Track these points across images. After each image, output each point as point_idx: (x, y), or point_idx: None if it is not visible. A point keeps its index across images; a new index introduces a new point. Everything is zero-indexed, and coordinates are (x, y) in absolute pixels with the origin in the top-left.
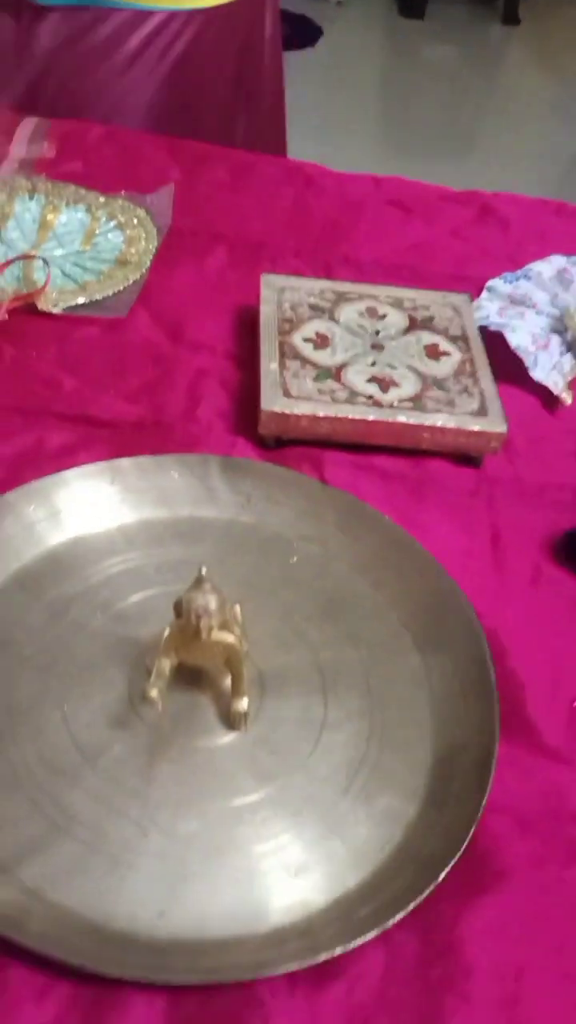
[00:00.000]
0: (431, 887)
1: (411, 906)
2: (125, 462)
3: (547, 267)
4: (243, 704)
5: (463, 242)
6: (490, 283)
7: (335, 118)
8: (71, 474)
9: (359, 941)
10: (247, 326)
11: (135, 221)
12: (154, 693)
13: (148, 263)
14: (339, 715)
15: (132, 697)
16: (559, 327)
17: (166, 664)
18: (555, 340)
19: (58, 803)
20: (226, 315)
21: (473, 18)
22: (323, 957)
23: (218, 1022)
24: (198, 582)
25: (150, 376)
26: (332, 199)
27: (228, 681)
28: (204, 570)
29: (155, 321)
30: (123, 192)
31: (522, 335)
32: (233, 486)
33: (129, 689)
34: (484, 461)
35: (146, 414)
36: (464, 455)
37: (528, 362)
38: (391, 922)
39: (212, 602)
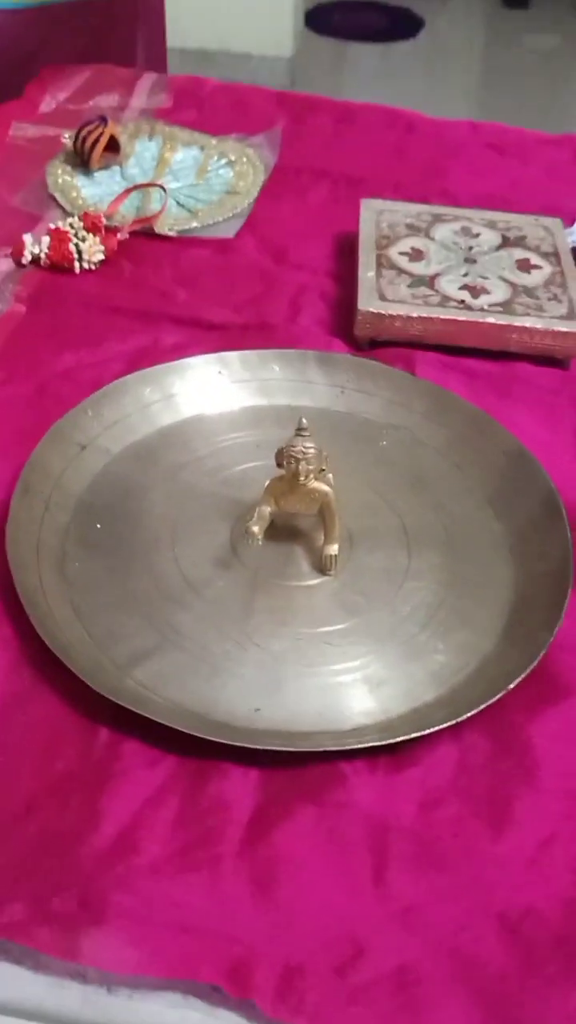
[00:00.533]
0: (501, 692)
1: (482, 706)
2: (232, 355)
3: None
4: (334, 549)
5: (557, 180)
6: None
7: (435, 110)
8: (183, 363)
9: (433, 729)
10: (346, 249)
11: (244, 159)
12: (255, 529)
13: (256, 193)
14: (421, 566)
15: (234, 545)
16: None
17: (266, 510)
18: None
19: (168, 622)
20: (327, 240)
21: None
22: (400, 738)
23: (305, 792)
24: (299, 430)
25: (255, 290)
26: (431, 141)
27: (320, 536)
28: (304, 420)
29: (261, 244)
30: (233, 134)
31: None
32: (329, 378)
33: (232, 539)
34: (571, 364)
35: (251, 320)
36: (551, 358)
37: None
38: (463, 717)
39: (311, 448)
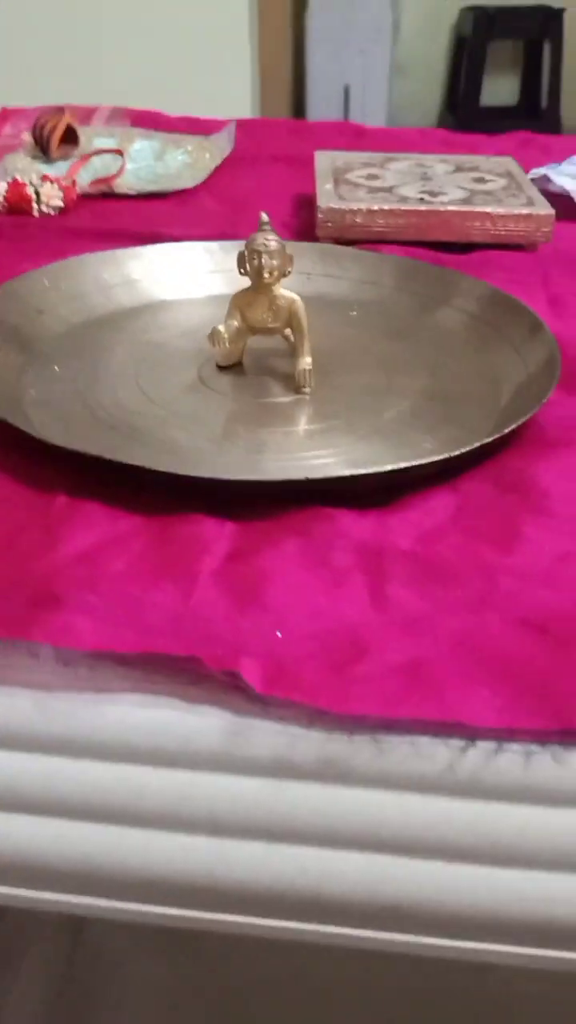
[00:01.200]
0: (498, 435)
1: (477, 444)
2: (196, 244)
3: None
4: (307, 362)
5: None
6: (533, 170)
7: None
8: (144, 249)
9: (426, 460)
10: (304, 206)
11: (201, 147)
12: (221, 328)
13: (213, 168)
14: (403, 385)
15: (202, 377)
16: None
17: (232, 323)
18: None
19: (134, 427)
20: (284, 200)
21: None
22: (389, 467)
23: (290, 530)
24: (261, 226)
25: (218, 224)
26: (382, 140)
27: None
28: (265, 216)
29: (219, 200)
30: (191, 133)
31: (567, 180)
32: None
33: (199, 373)
34: (538, 248)
35: (215, 235)
36: (517, 245)
37: (575, 195)
38: (460, 451)
39: (272, 241)
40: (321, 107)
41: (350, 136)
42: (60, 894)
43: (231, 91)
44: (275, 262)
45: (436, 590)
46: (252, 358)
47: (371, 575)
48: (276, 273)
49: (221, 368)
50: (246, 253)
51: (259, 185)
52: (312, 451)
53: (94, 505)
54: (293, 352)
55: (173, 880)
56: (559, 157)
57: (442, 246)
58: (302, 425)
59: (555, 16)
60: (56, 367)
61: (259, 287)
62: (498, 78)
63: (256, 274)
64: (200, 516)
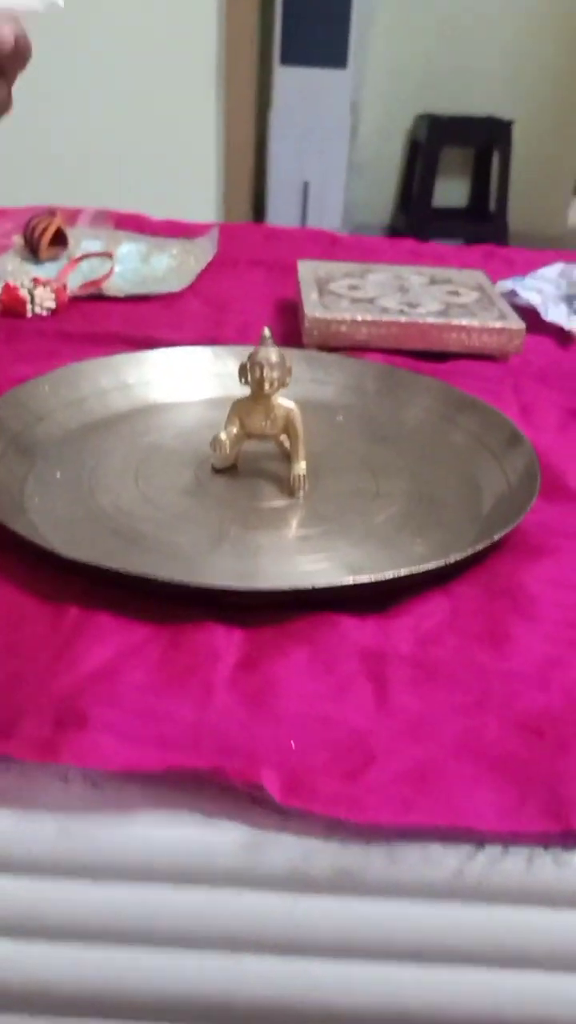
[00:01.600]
0: (487, 542)
1: (471, 551)
2: (188, 349)
3: (549, 270)
4: (301, 468)
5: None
6: (500, 282)
7: None
8: (139, 355)
9: (423, 567)
10: (286, 310)
11: (186, 251)
12: (222, 436)
13: (197, 272)
14: (390, 489)
15: (200, 480)
16: (566, 301)
17: (232, 430)
18: (563, 305)
19: (135, 530)
20: (267, 303)
21: None
22: (390, 574)
23: (296, 638)
24: (262, 341)
25: (204, 326)
26: (355, 251)
27: (285, 468)
28: (267, 331)
29: (205, 302)
30: (176, 236)
31: (532, 295)
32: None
33: (196, 476)
34: (510, 359)
35: (202, 339)
36: (489, 356)
37: (541, 310)
38: (453, 559)
39: (274, 355)
40: (281, 201)
41: (325, 244)
42: (78, 1019)
43: (195, 183)
44: (276, 374)
45: (436, 693)
46: (246, 460)
47: (375, 680)
48: (276, 384)
49: (217, 471)
50: (248, 365)
51: (242, 289)
52: (310, 555)
53: (106, 615)
54: (287, 457)
55: (189, 999)
56: (522, 269)
57: (420, 354)
58: (298, 529)
59: (504, 127)
60: (58, 473)
61: (259, 397)
62: (449, 181)
63: (257, 385)
64: (210, 623)
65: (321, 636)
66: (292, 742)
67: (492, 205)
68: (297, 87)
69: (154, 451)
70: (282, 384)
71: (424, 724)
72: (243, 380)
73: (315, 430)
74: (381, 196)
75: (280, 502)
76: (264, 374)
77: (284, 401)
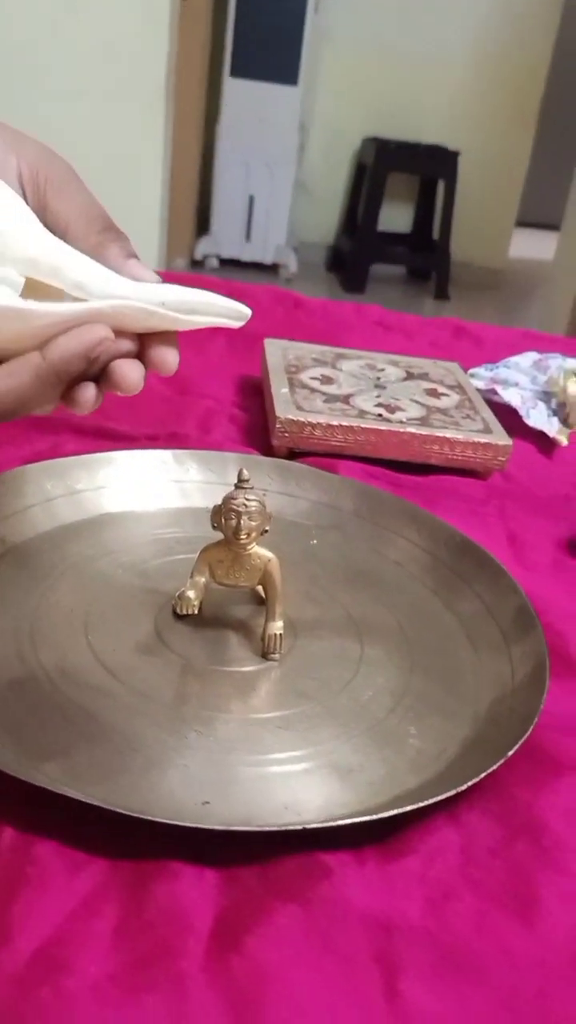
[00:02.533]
0: (500, 761)
1: (481, 775)
2: (145, 452)
3: (523, 359)
4: (278, 627)
5: (442, 352)
6: (472, 370)
7: None
8: (91, 457)
9: (426, 802)
10: (250, 388)
11: None
12: (190, 594)
13: None
14: (376, 653)
15: (159, 632)
16: (544, 398)
17: (200, 580)
18: (541, 404)
19: (86, 711)
20: (230, 380)
21: (408, 294)
22: (390, 813)
23: (280, 890)
24: (239, 483)
25: (162, 411)
26: (320, 318)
27: (260, 623)
28: (245, 472)
29: (162, 381)
30: None
31: (512, 395)
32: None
33: (156, 627)
34: (491, 477)
35: (160, 432)
36: (471, 471)
37: (522, 413)
38: (462, 787)
39: (253, 502)
40: (225, 212)
41: (288, 307)
42: None
43: (140, 194)
44: (254, 523)
45: (456, 987)
46: (210, 603)
47: (382, 964)
48: (254, 534)
49: (178, 616)
50: (223, 510)
51: (202, 363)
52: (289, 750)
53: (49, 846)
54: (257, 599)
55: None
56: (491, 349)
57: (397, 464)
58: (275, 710)
59: (451, 158)
60: None
61: (233, 545)
62: (394, 207)
63: (233, 534)
64: (176, 863)
65: (312, 890)
66: None
67: (435, 234)
68: (246, 100)
69: (106, 585)
70: (260, 533)
71: None
72: (215, 526)
73: (288, 558)
74: (326, 215)
75: (251, 665)
76: (242, 523)
77: (261, 551)
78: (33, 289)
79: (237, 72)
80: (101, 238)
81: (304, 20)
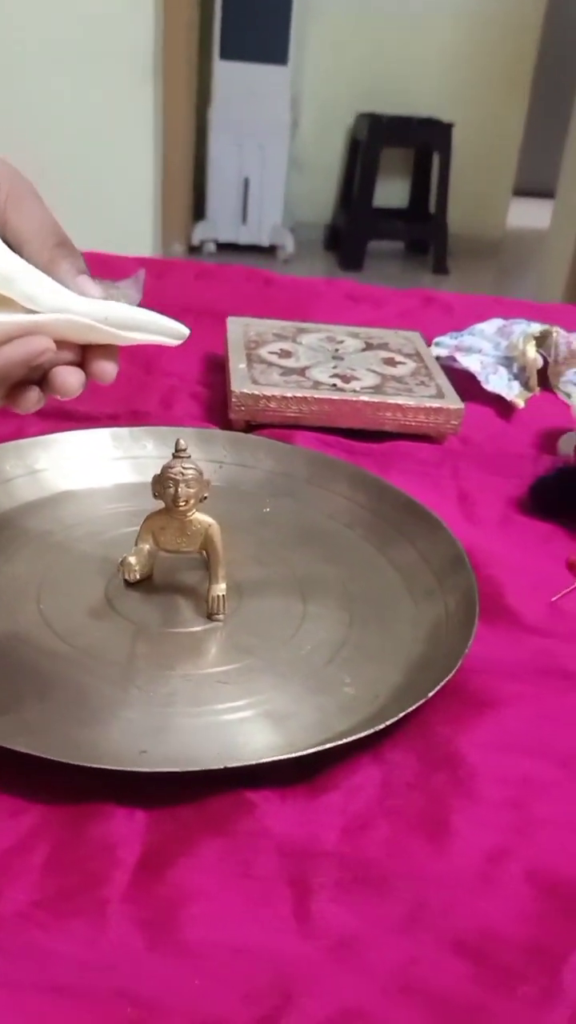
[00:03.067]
0: (420, 701)
1: (400, 715)
2: (102, 431)
3: (488, 325)
4: (221, 589)
5: (409, 320)
6: (437, 339)
7: None
8: (49, 438)
9: (345, 740)
10: (214, 365)
11: (108, 298)
12: (132, 559)
13: None
14: (318, 610)
15: (109, 598)
16: (506, 363)
17: (144, 547)
18: (503, 370)
19: (35, 671)
20: (195, 357)
21: (406, 269)
22: (309, 750)
23: (205, 825)
24: (176, 452)
25: (125, 391)
26: (289, 292)
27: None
28: (182, 441)
29: (128, 357)
30: (98, 278)
31: (472, 361)
32: (205, 453)
33: (106, 592)
34: (445, 441)
35: (120, 410)
36: (425, 436)
37: (481, 378)
38: (380, 726)
39: (190, 469)
40: (221, 196)
41: (258, 283)
42: None
43: (133, 179)
44: (192, 490)
45: (366, 904)
46: (161, 570)
47: (296, 887)
48: (192, 501)
49: (129, 584)
50: (162, 479)
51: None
52: (228, 701)
53: None
54: (207, 567)
55: None
56: (460, 316)
57: (353, 432)
58: (217, 665)
59: (444, 130)
60: None
61: (174, 512)
62: (390, 181)
63: (172, 502)
64: (109, 805)
65: (236, 824)
66: (196, 981)
67: (432, 207)
68: (237, 82)
69: (61, 555)
70: (199, 500)
71: (351, 948)
72: (156, 494)
73: (240, 524)
74: (322, 194)
75: (198, 626)
76: (179, 491)
77: (202, 516)
78: None
79: (227, 54)
80: (54, 253)
81: None
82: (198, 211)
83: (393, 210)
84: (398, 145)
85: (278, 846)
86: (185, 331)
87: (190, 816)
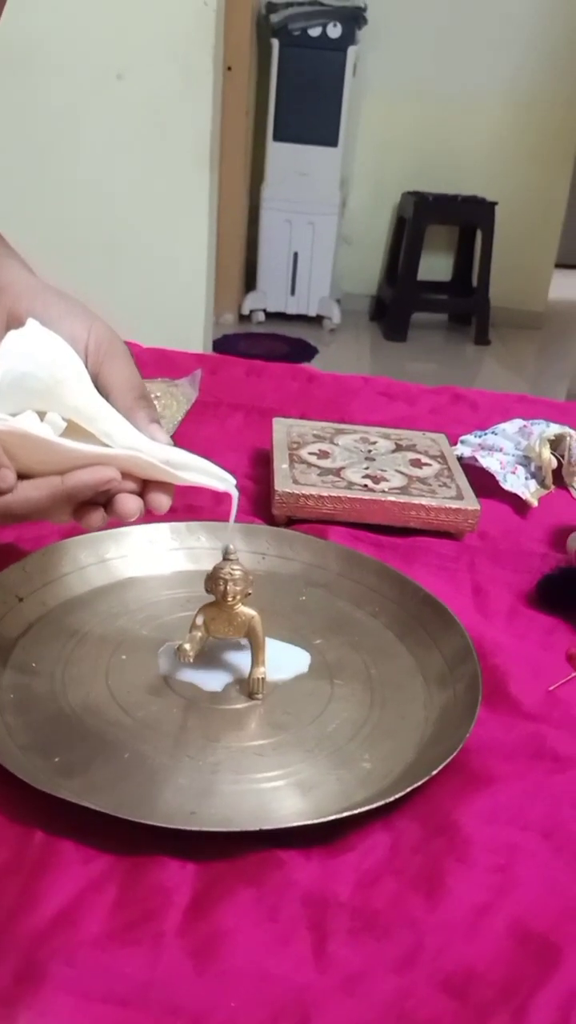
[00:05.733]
0: (425, 778)
1: (408, 789)
2: (162, 525)
3: (510, 425)
4: (262, 672)
5: (439, 417)
6: (462, 437)
7: None
8: (118, 531)
9: (361, 809)
10: (261, 460)
11: (169, 395)
12: (187, 647)
13: (180, 419)
14: (344, 692)
15: (167, 677)
16: (524, 462)
17: (197, 634)
18: (521, 469)
19: (101, 739)
20: (244, 454)
21: (449, 340)
22: (331, 817)
23: (243, 877)
24: (226, 556)
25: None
26: (331, 389)
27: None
28: (231, 546)
29: None
30: (159, 378)
31: (492, 461)
32: (250, 546)
33: (162, 668)
34: (464, 538)
35: (177, 504)
36: (446, 532)
37: (499, 478)
38: (391, 798)
39: (237, 571)
40: (271, 268)
41: (302, 381)
42: None
43: (189, 254)
44: (238, 588)
45: (371, 945)
46: (213, 649)
47: (315, 929)
48: (239, 596)
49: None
50: (213, 577)
51: (222, 437)
52: (264, 771)
53: (69, 843)
54: (251, 659)
55: None
56: (484, 414)
57: (382, 527)
58: (255, 739)
59: (488, 208)
60: (34, 663)
61: (223, 605)
62: (434, 256)
63: (221, 597)
64: (164, 858)
65: (268, 876)
66: (232, 1003)
67: (475, 280)
68: (289, 162)
69: (124, 637)
70: (244, 595)
71: (358, 982)
72: (208, 589)
73: (279, 610)
74: (369, 267)
75: (240, 703)
76: (228, 588)
77: (246, 608)
78: (72, 430)
79: (280, 136)
80: (134, 404)
81: (343, 83)
82: (249, 282)
83: (437, 283)
84: (442, 222)
85: (301, 896)
86: (232, 480)
87: (230, 868)
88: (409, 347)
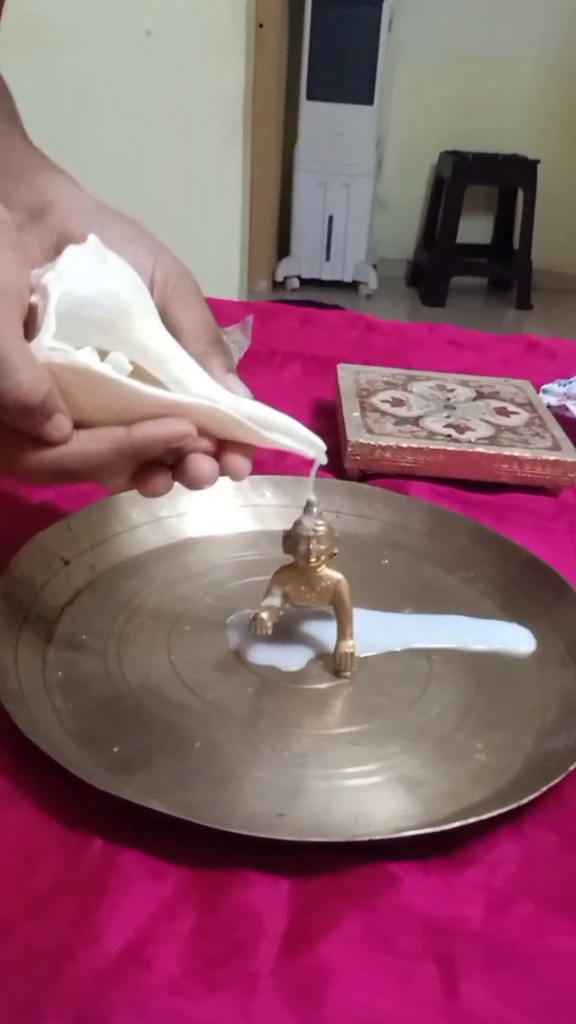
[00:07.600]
0: (558, 779)
1: (543, 788)
2: (223, 480)
3: None
4: (350, 646)
5: (513, 367)
6: (545, 386)
7: None
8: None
9: (490, 814)
10: (324, 412)
11: None
12: (264, 615)
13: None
14: (444, 670)
15: (238, 652)
16: None
17: (274, 601)
18: None
19: (168, 726)
20: (304, 405)
21: (489, 305)
22: (454, 824)
23: (350, 898)
24: (308, 508)
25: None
26: (392, 338)
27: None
28: (313, 497)
29: None
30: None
31: None
32: (324, 503)
33: (231, 642)
34: (561, 493)
35: None
36: (541, 488)
37: None
38: (524, 800)
39: (321, 526)
40: (305, 233)
41: (361, 330)
42: None
43: (221, 217)
44: (323, 547)
45: (510, 987)
46: (287, 618)
47: (441, 965)
48: (324, 557)
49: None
50: (293, 535)
51: (279, 388)
52: (359, 764)
53: (133, 853)
54: (337, 630)
55: None
56: (563, 362)
57: (467, 483)
58: (346, 725)
59: (530, 166)
60: (84, 636)
61: (304, 568)
62: (473, 218)
63: (304, 559)
64: (249, 872)
65: (379, 897)
66: None
67: (516, 243)
68: (323, 122)
69: (186, 606)
70: (329, 555)
71: None
72: (286, 549)
73: (360, 576)
74: (405, 231)
75: (324, 682)
76: (311, 547)
77: (331, 572)
78: (136, 376)
79: (313, 95)
80: (208, 348)
81: (379, 39)
82: (283, 248)
83: (477, 246)
84: (482, 182)
85: (423, 924)
86: (322, 445)
87: (331, 885)
88: (448, 312)
